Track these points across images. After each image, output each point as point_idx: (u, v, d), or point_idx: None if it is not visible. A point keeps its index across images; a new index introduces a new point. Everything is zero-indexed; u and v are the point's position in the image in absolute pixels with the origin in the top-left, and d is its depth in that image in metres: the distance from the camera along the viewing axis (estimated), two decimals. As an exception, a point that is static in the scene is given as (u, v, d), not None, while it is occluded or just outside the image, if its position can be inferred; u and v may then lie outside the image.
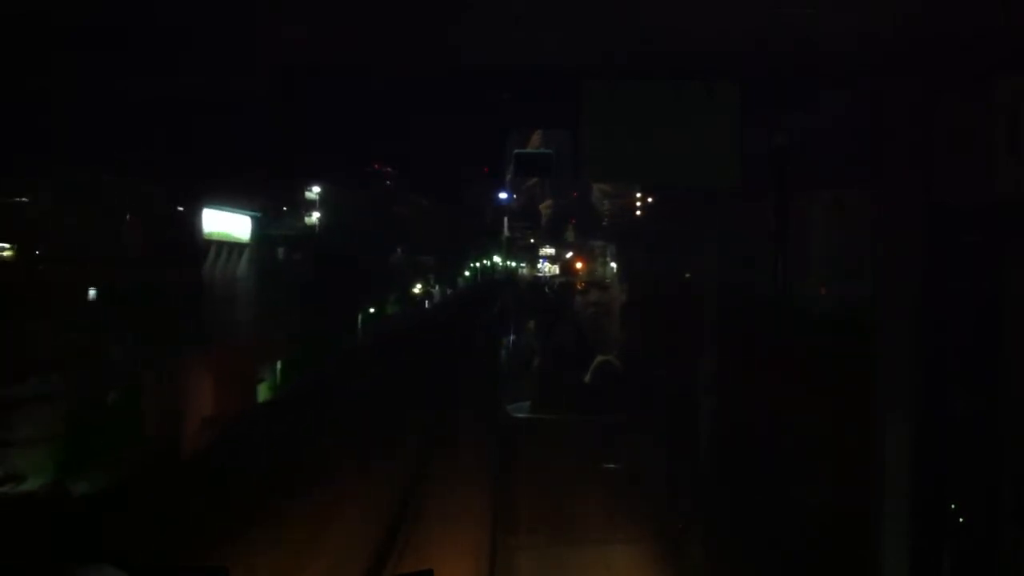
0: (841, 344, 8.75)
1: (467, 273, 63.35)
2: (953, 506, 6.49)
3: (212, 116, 11.33)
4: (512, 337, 31.19)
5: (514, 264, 61.09)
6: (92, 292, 13.78)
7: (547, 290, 45.42)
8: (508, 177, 46.93)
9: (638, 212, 29.12)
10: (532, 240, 57.49)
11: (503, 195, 53.52)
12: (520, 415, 19.42)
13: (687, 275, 17.00)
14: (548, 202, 53.22)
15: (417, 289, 45.64)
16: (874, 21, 5.37)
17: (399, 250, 41.16)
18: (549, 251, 56.55)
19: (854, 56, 6.22)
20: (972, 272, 6.60)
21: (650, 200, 25.84)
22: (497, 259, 64.26)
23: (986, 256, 6.37)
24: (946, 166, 6.31)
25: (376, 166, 39.64)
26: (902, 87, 6.47)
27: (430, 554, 10.71)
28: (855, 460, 7.43)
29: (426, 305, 46.88)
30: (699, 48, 5.94)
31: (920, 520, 6.46)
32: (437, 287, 51.13)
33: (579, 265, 48.13)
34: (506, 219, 57.16)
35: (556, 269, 54.22)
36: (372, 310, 33.93)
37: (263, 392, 19.68)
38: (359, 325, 31.88)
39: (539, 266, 57.06)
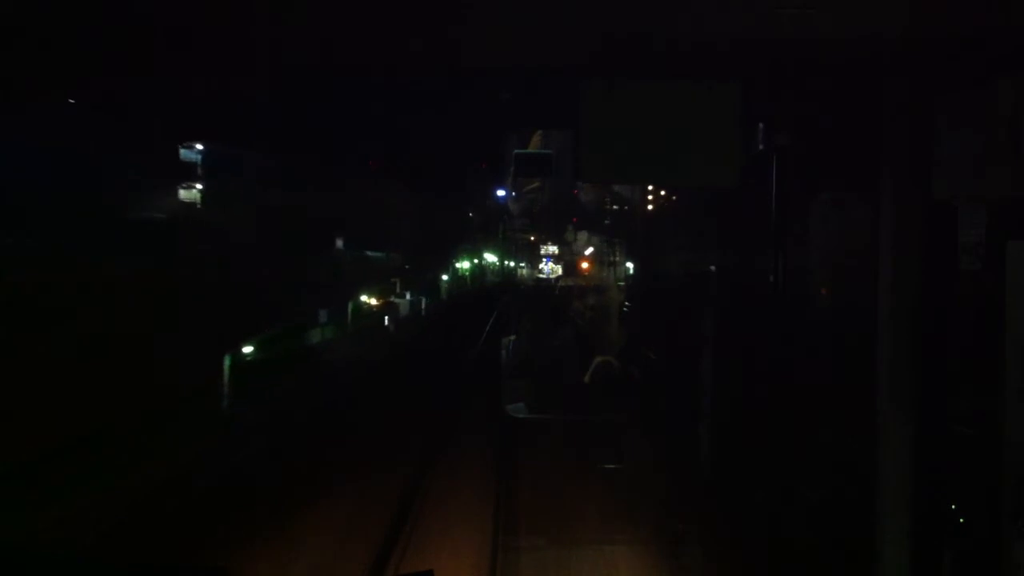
0: (841, 344, 8.74)
1: (447, 275, 48.19)
2: (953, 506, 6.49)
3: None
4: (512, 337, 30.91)
5: (512, 264, 55.94)
6: None
7: (555, 292, 41.74)
8: (508, 180, 45.63)
9: (650, 207, 27.58)
10: (532, 238, 53.19)
11: (501, 192, 47.03)
12: (520, 415, 19.42)
13: (687, 275, 16.99)
14: (545, 201, 50.63)
15: (373, 300, 31.71)
16: (874, 21, 5.36)
17: (340, 243, 27.49)
18: (552, 249, 51.53)
19: (854, 56, 6.22)
20: (972, 272, 6.60)
21: (651, 199, 25.49)
22: (491, 257, 56.44)
23: (987, 256, 6.37)
24: (946, 166, 6.31)
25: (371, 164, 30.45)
26: (902, 87, 6.47)
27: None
28: (855, 460, 7.42)
29: (386, 323, 32.06)
30: (699, 48, 5.94)
31: (920, 520, 6.46)
32: (408, 295, 36.72)
33: (585, 265, 42.95)
34: (504, 216, 52.24)
35: (559, 270, 49.39)
36: (271, 342, 18.41)
37: None
38: (226, 378, 15.75)
39: (541, 266, 52.51)
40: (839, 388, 8.45)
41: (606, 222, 39.79)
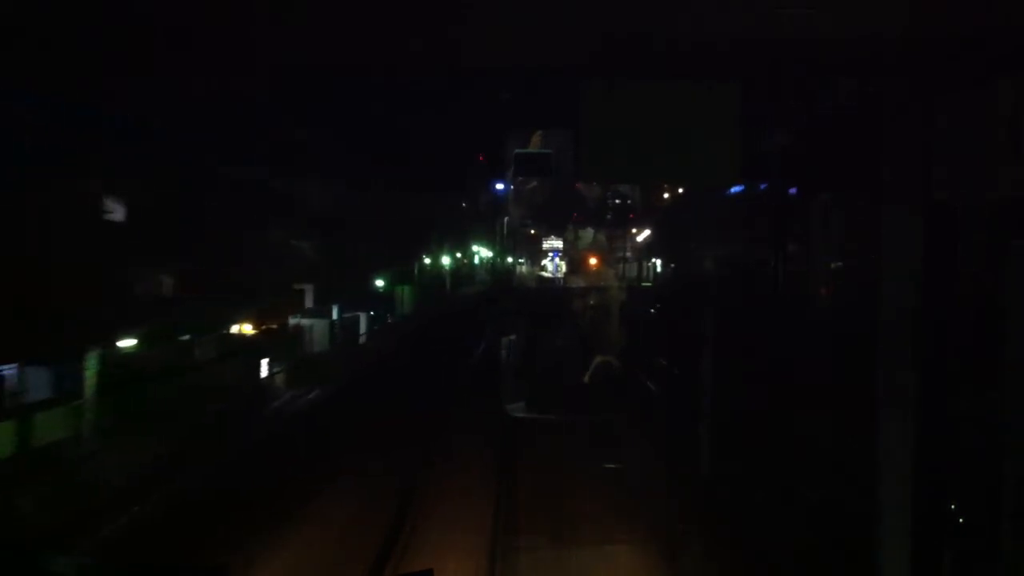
0: (841, 344, 8.74)
1: (414, 277, 32.33)
2: (953, 506, 6.49)
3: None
4: (512, 337, 30.72)
5: (511, 260, 50.83)
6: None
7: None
8: (508, 174, 44.40)
9: (666, 195, 24.38)
10: (533, 231, 49.44)
11: (500, 186, 40.58)
12: (520, 415, 19.42)
13: (687, 275, 16.99)
14: (544, 197, 48.15)
15: (247, 327, 17.91)
16: (874, 21, 5.36)
17: (118, 212, 12.43)
18: (556, 243, 47.24)
19: (854, 56, 6.23)
20: (972, 272, 6.60)
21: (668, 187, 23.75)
22: (485, 251, 49.69)
23: (986, 256, 6.37)
24: (946, 166, 6.31)
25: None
26: (902, 87, 6.47)
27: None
28: (855, 460, 7.42)
29: (264, 372, 17.62)
30: (699, 48, 5.94)
31: (920, 520, 6.45)
32: (335, 317, 22.28)
33: (593, 261, 40.03)
34: (503, 209, 46.52)
35: (564, 266, 46.15)
36: None
37: None
38: None
39: (545, 263, 48.18)
40: (839, 388, 8.44)
41: (608, 216, 38.66)
